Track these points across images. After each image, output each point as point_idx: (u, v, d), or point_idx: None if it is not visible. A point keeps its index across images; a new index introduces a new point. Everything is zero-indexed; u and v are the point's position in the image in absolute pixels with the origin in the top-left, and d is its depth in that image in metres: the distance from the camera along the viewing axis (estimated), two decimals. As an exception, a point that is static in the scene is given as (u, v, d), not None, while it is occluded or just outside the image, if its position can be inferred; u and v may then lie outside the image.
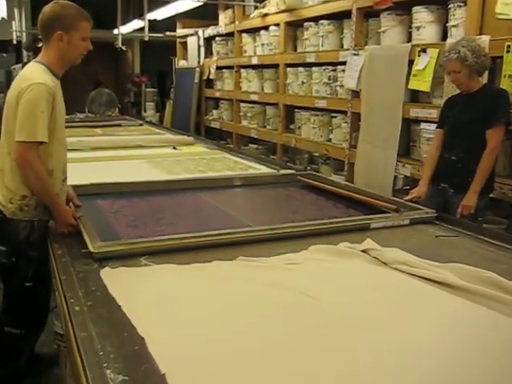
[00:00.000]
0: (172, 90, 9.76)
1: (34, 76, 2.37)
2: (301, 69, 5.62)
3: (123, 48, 8.86)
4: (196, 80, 8.23)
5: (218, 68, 7.77)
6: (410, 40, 4.28)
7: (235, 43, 7.21)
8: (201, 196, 3.18)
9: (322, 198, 3.24)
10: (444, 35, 4.03)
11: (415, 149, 4.18)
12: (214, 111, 8.07)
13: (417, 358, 1.40)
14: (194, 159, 4.42)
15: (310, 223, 2.48)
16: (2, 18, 8.95)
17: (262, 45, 6.52)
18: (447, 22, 3.89)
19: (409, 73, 4.05)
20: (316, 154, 6.03)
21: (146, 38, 8.80)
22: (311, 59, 5.35)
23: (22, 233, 2.45)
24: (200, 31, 8.26)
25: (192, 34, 8.52)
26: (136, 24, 10.21)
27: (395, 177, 4.29)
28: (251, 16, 6.68)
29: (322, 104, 5.19)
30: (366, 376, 1.33)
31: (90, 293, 1.77)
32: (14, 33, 10.83)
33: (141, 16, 9.50)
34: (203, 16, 9.62)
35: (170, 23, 9.59)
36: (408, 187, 4.65)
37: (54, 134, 2.40)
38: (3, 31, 10.91)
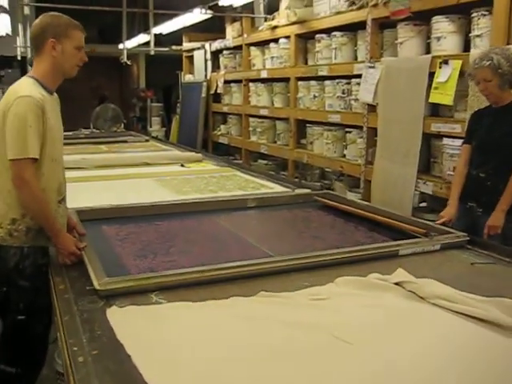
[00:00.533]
0: (178, 104, 9.61)
1: (21, 90, 2.22)
2: (313, 82, 5.44)
3: (128, 62, 8.71)
4: (203, 94, 8.07)
5: (226, 82, 7.60)
6: (428, 51, 4.09)
7: (243, 56, 7.05)
8: (214, 219, 2.98)
9: (341, 220, 3.04)
10: (466, 46, 3.85)
11: (436, 165, 3.97)
12: (222, 126, 7.90)
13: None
14: (204, 177, 4.24)
15: (334, 251, 2.27)
16: (7, 34, 8.86)
17: (272, 58, 6.34)
18: (469, 31, 3.70)
19: (429, 85, 3.85)
20: (328, 170, 5.84)
21: (152, 53, 8.66)
22: (324, 72, 5.17)
23: (11, 260, 2.25)
24: (207, 45, 8.12)
25: (199, 48, 8.38)
26: (141, 38, 10.09)
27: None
28: (260, 29, 6.52)
29: (335, 119, 4.99)
30: None
31: (95, 338, 1.56)
32: (19, 48, 10.74)
33: (146, 30, 9.37)
34: (209, 29, 9.49)
35: (175, 37, 9.46)
36: (425, 204, 4.46)
37: (45, 150, 2.23)
38: (8, 47, 10.84)
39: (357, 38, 4.87)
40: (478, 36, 3.55)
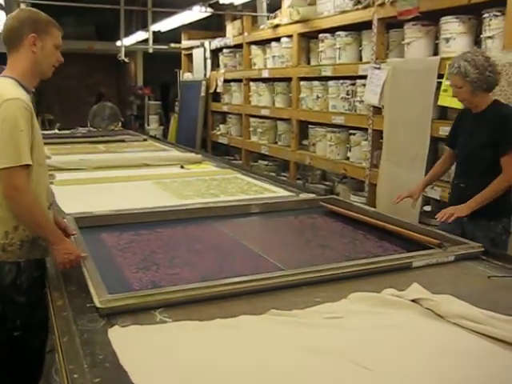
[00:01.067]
0: (176, 102, 9.49)
1: (6, 92, 2.06)
2: (316, 83, 5.34)
3: (126, 60, 8.59)
4: (202, 93, 7.97)
5: (226, 81, 7.50)
6: (436, 53, 4.00)
7: (244, 55, 6.95)
8: (217, 226, 2.87)
9: (349, 228, 2.94)
10: (476, 47, 3.74)
11: (445, 170, 3.87)
12: (222, 126, 7.80)
13: None
14: (205, 180, 4.14)
15: (346, 264, 2.17)
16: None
17: (273, 57, 6.25)
18: (480, 32, 3.60)
19: (437, 88, 3.75)
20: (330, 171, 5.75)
21: (151, 50, 8.55)
22: (327, 73, 5.06)
23: (6, 277, 2.13)
24: (206, 43, 8.01)
25: (198, 46, 8.26)
26: (139, 36, 9.96)
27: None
28: (261, 27, 6.41)
29: (339, 120, 4.89)
30: None
31: (96, 363, 1.45)
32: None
33: (144, 27, 9.25)
34: (207, 27, 9.38)
35: (173, 34, 9.35)
36: (429, 207, 4.36)
37: (33, 155, 2.09)
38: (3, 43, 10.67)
39: (361, 38, 4.78)
40: (489, 37, 3.45)
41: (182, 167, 4.76)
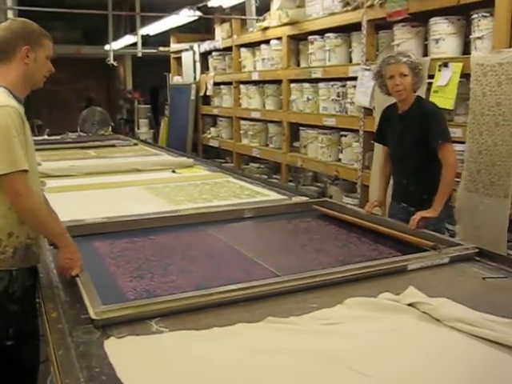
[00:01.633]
0: (166, 106, 9.47)
1: None
2: (306, 85, 5.34)
3: (115, 64, 8.55)
4: (192, 97, 7.95)
5: (216, 84, 7.48)
6: (426, 54, 4.00)
7: (233, 58, 6.93)
8: (210, 232, 2.86)
9: (343, 231, 2.94)
10: (465, 48, 3.75)
11: (436, 170, 3.87)
12: (212, 129, 7.78)
13: None
14: (197, 185, 4.12)
15: (342, 269, 2.16)
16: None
17: (263, 59, 6.23)
18: (469, 33, 3.61)
19: (427, 88, 3.75)
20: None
21: (139, 54, 8.51)
22: (317, 74, 5.06)
23: None
24: (195, 46, 7.98)
25: (187, 49, 8.23)
26: (128, 39, 9.92)
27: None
28: (251, 30, 6.40)
29: (330, 122, 4.89)
30: None
31: (93, 377, 1.43)
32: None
33: (133, 31, 9.21)
34: (196, 30, 9.36)
35: (162, 37, 9.32)
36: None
37: (27, 162, 2.07)
38: None
39: (351, 40, 4.77)
40: (479, 38, 3.45)
41: (173, 172, 4.74)
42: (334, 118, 4.88)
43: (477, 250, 2.44)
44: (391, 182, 3.42)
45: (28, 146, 2.11)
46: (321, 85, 5.09)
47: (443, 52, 3.75)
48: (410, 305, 1.86)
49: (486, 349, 1.60)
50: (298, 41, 5.69)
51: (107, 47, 8.66)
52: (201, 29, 9.54)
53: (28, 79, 2.18)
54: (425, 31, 4.01)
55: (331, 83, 4.93)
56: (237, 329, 1.70)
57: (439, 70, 3.63)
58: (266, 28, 6.03)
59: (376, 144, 4.26)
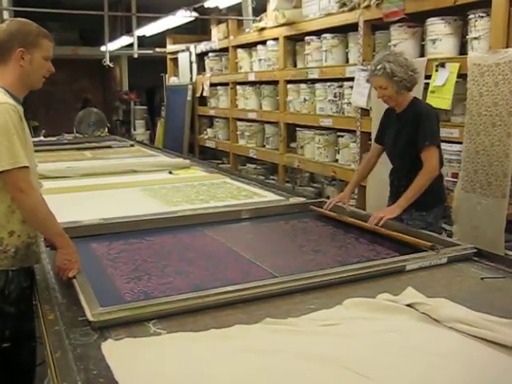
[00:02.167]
0: (163, 107, 9.45)
1: None
2: (303, 85, 5.34)
3: (111, 65, 8.53)
4: (189, 98, 7.93)
5: (212, 85, 7.47)
6: (423, 54, 4.00)
7: (230, 59, 6.92)
8: (208, 233, 2.85)
9: (340, 231, 2.93)
10: (462, 48, 3.75)
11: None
12: (209, 130, 7.77)
13: None
14: (194, 186, 4.11)
15: (339, 270, 2.15)
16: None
17: (259, 60, 6.23)
18: (466, 34, 3.61)
19: (424, 88, 3.75)
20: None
21: (136, 55, 8.49)
22: (314, 75, 5.06)
23: None
24: (192, 47, 7.97)
25: (183, 50, 8.22)
26: (124, 40, 9.91)
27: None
28: (247, 30, 6.39)
29: (327, 123, 4.89)
30: None
31: (90, 379, 1.42)
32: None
33: (129, 32, 9.20)
34: (192, 31, 9.35)
35: (158, 38, 9.30)
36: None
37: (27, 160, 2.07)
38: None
39: (348, 40, 4.78)
40: (475, 38, 3.45)
41: (170, 173, 4.73)
42: (330, 119, 4.88)
43: (475, 250, 2.44)
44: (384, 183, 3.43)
45: (27, 144, 2.11)
46: (317, 85, 5.08)
47: (440, 52, 3.76)
48: (408, 305, 1.85)
49: (484, 349, 1.59)
50: (294, 41, 5.69)
51: (103, 48, 8.64)
52: (197, 30, 9.53)
53: (24, 81, 2.17)
54: (421, 31, 4.01)
55: (328, 84, 4.93)
56: (234, 330, 1.69)
57: (436, 71, 3.63)
58: (262, 29, 6.02)
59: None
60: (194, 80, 8.01)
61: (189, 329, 1.70)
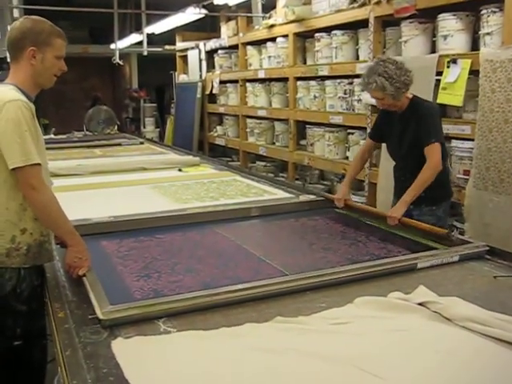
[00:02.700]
0: (172, 105, 9.45)
1: (6, 96, 2.05)
2: (312, 82, 5.31)
3: (120, 63, 8.55)
4: (198, 95, 7.93)
5: (222, 82, 7.47)
6: (434, 50, 3.96)
7: (239, 56, 6.91)
8: (217, 231, 2.84)
9: (351, 229, 2.92)
10: (474, 44, 3.72)
11: (445, 167, 3.84)
12: (218, 127, 7.76)
13: None
14: (203, 183, 4.11)
15: (350, 268, 2.14)
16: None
17: (269, 57, 6.21)
18: (478, 29, 3.57)
19: (435, 85, 3.72)
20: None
21: (145, 53, 8.48)
22: (324, 72, 5.03)
23: (7, 284, 2.10)
24: (201, 44, 7.96)
25: (193, 48, 8.22)
26: (133, 38, 9.90)
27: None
28: (257, 27, 6.38)
29: (337, 120, 4.86)
30: None
31: (100, 377, 1.42)
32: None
33: (138, 30, 9.20)
34: (201, 28, 9.33)
35: (168, 36, 9.30)
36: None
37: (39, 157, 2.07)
38: (-3, 49, 10.62)
39: (358, 37, 4.74)
40: (488, 34, 3.41)
41: (180, 170, 4.73)
42: (340, 116, 4.85)
43: (487, 248, 2.41)
44: (391, 179, 3.43)
45: (39, 142, 2.12)
46: (327, 82, 5.06)
47: (451, 48, 3.72)
48: (420, 304, 1.84)
49: (497, 348, 1.58)
50: (304, 38, 5.66)
51: (113, 46, 8.65)
52: (206, 27, 9.51)
53: (35, 80, 2.17)
54: (433, 27, 3.97)
55: (338, 81, 4.91)
56: (245, 329, 1.68)
57: (448, 67, 3.60)
58: (272, 25, 6.00)
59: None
60: (203, 77, 8.01)
61: (199, 327, 1.69)
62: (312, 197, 3.51)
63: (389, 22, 4.36)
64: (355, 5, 4.54)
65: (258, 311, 1.82)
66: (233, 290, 1.88)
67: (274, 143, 6.33)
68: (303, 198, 3.50)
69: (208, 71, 7.97)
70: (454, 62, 3.55)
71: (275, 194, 3.71)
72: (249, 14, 6.83)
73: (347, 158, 4.91)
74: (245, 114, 6.82)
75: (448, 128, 3.58)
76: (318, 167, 5.53)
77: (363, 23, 4.49)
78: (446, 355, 1.54)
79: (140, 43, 8.87)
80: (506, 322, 1.68)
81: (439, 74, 3.70)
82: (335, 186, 5.39)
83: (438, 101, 3.67)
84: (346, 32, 4.81)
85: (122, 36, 9.71)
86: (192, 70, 8.44)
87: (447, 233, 2.48)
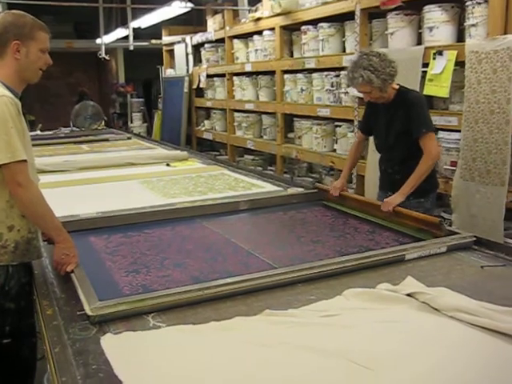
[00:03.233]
0: (159, 99, 9.41)
1: None
2: (300, 75, 5.31)
3: (106, 58, 8.49)
4: (185, 89, 7.90)
5: (209, 76, 7.44)
6: (420, 42, 3.98)
7: (226, 50, 6.88)
8: (207, 225, 2.84)
9: (339, 222, 2.93)
10: (459, 35, 3.73)
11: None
12: (206, 121, 7.74)
13: None
14: (191, 178, 4.10)
15: (339, 260, 2.14)
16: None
17: (256, 51, 6.19)
18: (463, 21, 3.58)
19: (422, 77, 3.73)
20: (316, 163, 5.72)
21: (131, 48, 8.44)
22: (311, 65, 5.03)
23: None
24: (188, 38, 7.93)
25: (179, 42, 8.18)
26: (119, 33, 9.85)
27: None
28: (243, 21, 6.35)
29: (325, 112, 4.86)
30: None
31: (90, 374, 1.41)
32: None
33: (124, 24, 9.14)
34: (187, 22, 9.28)
35: (154, 30, 9.25)
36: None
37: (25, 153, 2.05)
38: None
39: (344, 29, 4.74)
40: (473, 25, 3.42)
41: (167, 165, 4.71)
42: (328, 109, 4.85)
43: (474, 239, 2.42)
44: (378, 171, 3.44)
45: (25, 138, 2.09)
46: (314, 75, 5.06)
47: (437, 40, 3.73)
48: (408, 295, 1.85)
49: (485, 338, 1.59)
50: (290, 31, 5.66)
51: (98, 41, 8.60)
52: (193, 21, 9.46)
53: (21, 74, 2.14)
54: (418, 19, 3.98)
55: (325, 73, 4.91)
56: (235, 322, 1.68)
57: (434, 59, 3.61)
58: (258, 19, 5.98)
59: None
60: (190, 72, 7.98)
61: (188, 321, 1.69)
62: (300, 190, 3.52)
63: (375, 14, 4.37)
64: (341, -3, 4.53)
65: (247, 304, 1.83)
66: (222, 283, 1.88)
67: (261, 137, 6.32)
68: (291, 190, 3.50)
69: (195, 65, 7.94)
70: (440, 53, 3.56)
71: (263, 188, 3.71)
72: (235, 8, 6.81)
73: (335, 150, 4.92)
74: (232, 108, 6.81)
75: (435, 119, 3.57)
76: (306, 160, 5.53)
77: (349, 15, 4.48)
78: (435, 345, 1.55)
79: (126, 38, 8.82)
80: (494, 311, 1.69)
81: (425, 65, 3.72)
82: (323, 179, 5.39)
83: (425, 92, 3.68)
84: (332, 24, 4.81)
85: (107, 31, 9.65)
86: (179, 65, 8.41)
87: (439, 221, 2.49)
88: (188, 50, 7.98)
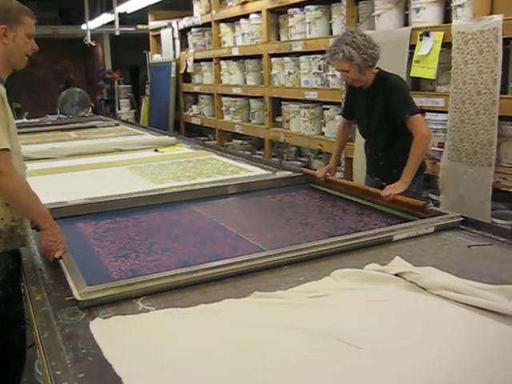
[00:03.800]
0: (147, 85, 9.35)
1: None
2: (287, 59, 5.28)
3: (92, 44, 8.41)
4: (173, 75, 7.85)
5: (196, 61, 7.39)
6: (407, 23, 3.96)
7: (213, 34, 6.83)
8: (195, 210, 2.84)
9: (328, 204, 2.94)
10: (446, 16, 3.72)
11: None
12: (194, 107, 7.70)
13: None
14: (180, 163, 4.09)
15: (327, 242, 2.15)
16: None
17: (243, 34, 6.15)
18: (450, 1, 3.57)
19: (409, 58, 3.73)
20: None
21: (117, 33, 8.36)
22: (298, 48, 5.01)
23: None
24: (174, 23, 7.86)
25: (166, 27, 8.11)
26: (105, 18, 9.73)
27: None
28: (229, 4, 6.30)
29: (312, 96, 4.85)
30: None
31: (79, 358, 1.41)
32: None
33: (109, 9, 9.04)
34: (174, 6, 9.19)
35: (140, 15, 9.15)
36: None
37: (10, 143, 2.02)
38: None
39: (331, 12, 4.71)
40: (459, 6, 3.41)
41: (156, 151, 4.70)
42: (315, 92, 4.84)
43: (461, 219, 2.44)
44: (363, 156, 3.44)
45: (10, 126, 2.06)
46: (302, 58, 5.04)
47: (424, 21, 3.71)
48: (396, 275, 1.86)
49: (472, 315, 1.60)
50: (277, 14, 5.62)
51: (84, 27, 8.51)
52: (179, 5, 9.37)
53: (8, 59, 2.12)
54: (405, 1, 3.96)
55: (312, 56, 4.88)
56: (224, 305, 1.69)
57: (420, 40, 3.60)
58: (244, 2, 5.93)
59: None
60: (177, 57, 7.92)
61: (177, 305, 1.70)
62: (289, 173, 3.52)
63: (362, -4, 4.35)
64: (328, -21, 4.51)
65: (236, 287, 1.83)
66: (211, 266, 1.89)
67: (249, 121, 6.30)
68: (280, 174, 3.50)
69: (182, 50, 7.88)
70: (427, 34, 3.55)
71: (252, 172, 3.71)
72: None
73: (323, 133, 4.91)
74: (220, 93, 6.77)
75: (422, 101, 3.60)
76: (295, 143, 5.53)
77: (336, -3, 4.46)
78: (422, 324, 1.57)
79: (112, 23, 8.73)
80: (480, 289, 1.71)
81: (412, 47, 3.71)
82: (312, 163, 5.40)
83: (412, 74, 3.69)
84: (319, 7, 4.78)
85: (92, 16, 9.55)
86: (166, 50, 8.34)
87: (423, 205, 2.50)
88: (175, 34, 7.92)
